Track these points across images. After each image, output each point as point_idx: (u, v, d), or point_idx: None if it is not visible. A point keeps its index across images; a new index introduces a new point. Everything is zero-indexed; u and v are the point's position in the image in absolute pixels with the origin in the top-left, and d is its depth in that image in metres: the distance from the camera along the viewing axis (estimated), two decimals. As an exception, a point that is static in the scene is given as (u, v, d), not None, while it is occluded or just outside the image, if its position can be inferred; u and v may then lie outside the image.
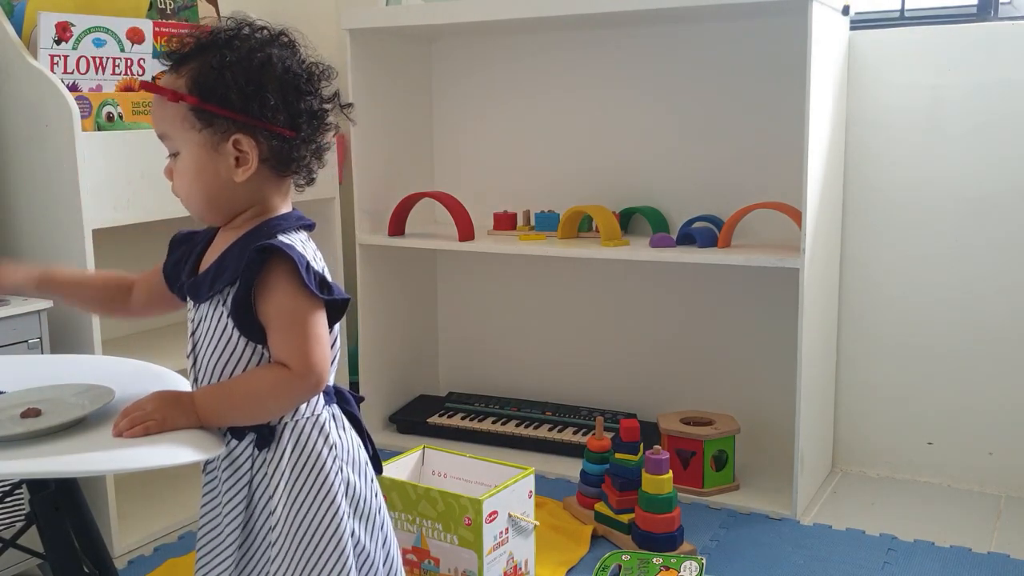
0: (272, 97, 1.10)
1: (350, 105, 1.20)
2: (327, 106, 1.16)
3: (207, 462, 1.17)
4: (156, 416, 1.07)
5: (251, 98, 1.09)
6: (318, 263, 1.13)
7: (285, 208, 1.18)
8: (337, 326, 1.16)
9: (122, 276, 1.30)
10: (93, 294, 1.30)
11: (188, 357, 1.18)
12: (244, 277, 1.08)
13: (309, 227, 1.18)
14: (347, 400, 1.22)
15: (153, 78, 2.17)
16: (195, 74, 1.10)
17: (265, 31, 1.14)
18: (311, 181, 1.20)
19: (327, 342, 1.11)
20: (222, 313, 1.11)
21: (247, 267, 1.08)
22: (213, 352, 1.12)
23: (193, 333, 1.16)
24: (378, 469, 1.24)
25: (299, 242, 1.13)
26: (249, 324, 1.10)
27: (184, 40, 1.13)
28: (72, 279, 1.30)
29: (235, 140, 1.11)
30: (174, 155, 1.15)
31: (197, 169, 1.12)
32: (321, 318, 1.10)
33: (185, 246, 1.23)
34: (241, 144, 1.11)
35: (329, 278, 1.13)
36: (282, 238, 1.11)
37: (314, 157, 1.17)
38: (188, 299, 1.18)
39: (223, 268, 1.12)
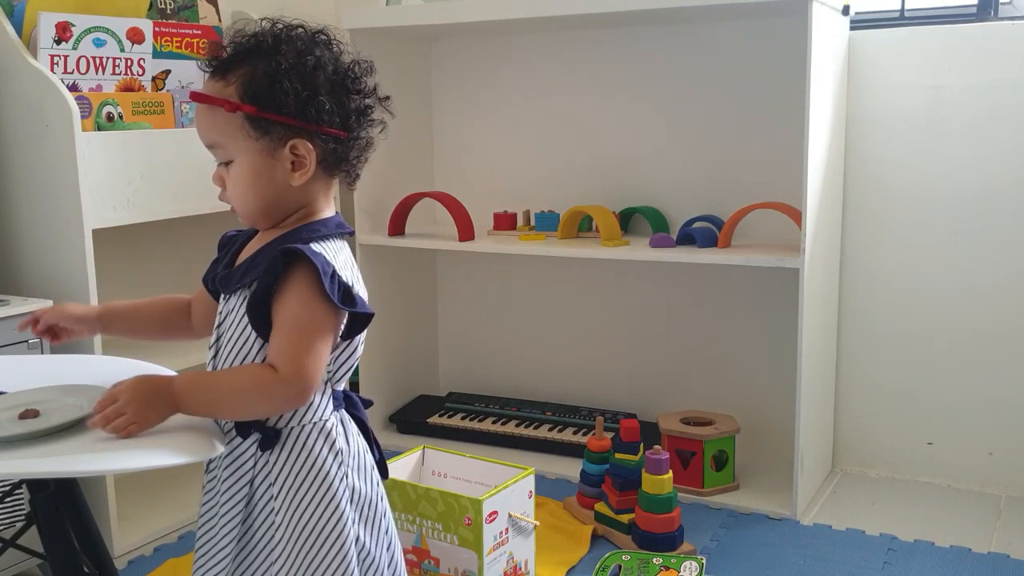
0: (327, 101, 1.10)
1: (388, 98, 1.20)
2: (370, 101, 1.16)
3: (209, 460, 1.17)
4: (137, 418, 1.05)
5: (307, 103, 1.09)
6: (349, 272, 1.13)
7: (329, 210, 1.18)
8: (360, 337, 1.16)
9: (177, 297, 1.29)
10: (152, 320, 1.28)
11: (210, 348, 1.17)
12: (265, 277, 1.08)
13: (348, 234, 1.18)
14: (356, 405, 1.21)
15: (153, 78, 2.18)
16: (247, 81, 1.10)
17: (302, 29, 1.14)
18: (357, 178, 1.20)
19: (324, 358, 1.10)
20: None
21: (270, 268, 1.08)
22: (234, 346, 1.13)
23: (219, 325, 1.16)
24: (384, 474, 1.23)
25: (331, 249, 1.12)
26: (262, 323, 1.09)
27: (225, 45, 1.13)
28: (130, 308, 1.28)
29: (292, 146, 1.10)
30: (225, 163, 1.14)
31: (253, 177, 1.12)
32: (327, 331, 1.09)
33: (229, 246, 1.23)
34: (298, 149, 1.11)
35: (358, 289, 1.12)
36: (314, 245, 1.10)
37: (363, 154, 1.17)
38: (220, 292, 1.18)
39: (255, 264, 1.12)
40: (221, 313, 1.16)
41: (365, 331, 1.17)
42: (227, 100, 1.10)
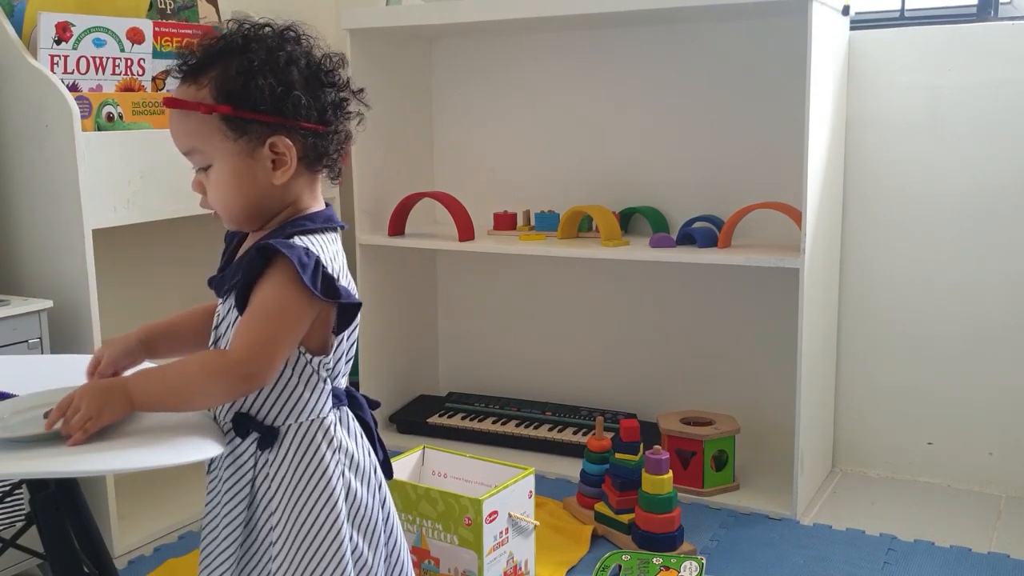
0: (303, 95, 1.10)
1: (362, 90, 1.19)
2: (345, 94, 1.16)
3: (210, 461, 1.16)
4: (91, 414, 1.04)
5: (283, 99, 1.09)
6: (336, 265, 1.12)
7: (316, 205, 1.17)
8: (355, 332, 1.15)
9: (208, 304, 1.25)
10: (190, 332, 1.24)
11: (210, 348, 1.17)
12: (245, 275, 1.08)
13: (338, 228, 1.16)
14: (360, 405, 1.21)
15: (153, 78, 2.18)
16: (220, 82, 1.09)
17: (269, 28, 1.13)
18: (340, 172, 1.19)
19: (284, 345, 1.07)
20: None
21: (248, 266, 1.07)
22: None
23: (217, 327, 1.16)
24: (388, 474, 1.22)
25: (317, 242, 1.11)
26: None
27: (193, 48, 1.12)
28: (168, 325, 1.25)
29: (272, 143, 1.10)
30: (204, 168, 1.13)
31: (235, 179, 1.11)
32: (294, 320, 1.07)
33: (230, 243, 1.22)
34: (278, 146, 1.10)
35: (345, 282, 1.11)
36: (297, 239, 1.09)
37: (342, 147, 1.16)
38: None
39: (241, 266, 1.11)
40: (218, 315, 1.16)
41: (356, 326, 1.15)
42: (201, 103, 1.09)
